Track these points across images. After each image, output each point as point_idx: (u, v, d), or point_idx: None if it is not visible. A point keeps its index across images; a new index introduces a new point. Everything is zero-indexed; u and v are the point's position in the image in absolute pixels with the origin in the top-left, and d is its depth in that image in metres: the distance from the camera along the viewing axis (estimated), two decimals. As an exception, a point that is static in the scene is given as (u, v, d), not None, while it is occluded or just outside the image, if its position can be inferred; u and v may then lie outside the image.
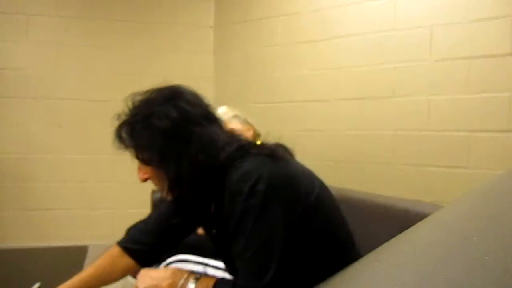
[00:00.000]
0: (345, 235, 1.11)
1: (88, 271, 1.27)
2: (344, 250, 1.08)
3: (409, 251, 0.84)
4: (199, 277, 1.08)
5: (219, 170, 0.99)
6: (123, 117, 1.02)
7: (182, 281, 1.07)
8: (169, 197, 1.05)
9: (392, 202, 1.23)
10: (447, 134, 2.21)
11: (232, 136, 1.06)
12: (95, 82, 3.05)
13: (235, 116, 1.92)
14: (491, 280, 0.50)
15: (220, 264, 1.28)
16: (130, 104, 1.03)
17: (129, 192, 3.09)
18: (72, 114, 3.02)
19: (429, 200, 2.22)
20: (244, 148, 1.01)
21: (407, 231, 1.05)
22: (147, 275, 1.12)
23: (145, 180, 1.08)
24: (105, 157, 3.06)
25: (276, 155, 1.01)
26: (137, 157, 1.04)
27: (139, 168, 1.08)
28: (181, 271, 1.11)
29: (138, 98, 1.03)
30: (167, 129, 0.97)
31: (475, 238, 0.64)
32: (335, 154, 2.61)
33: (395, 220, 1.21)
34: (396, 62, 2.38)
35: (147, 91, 1.03)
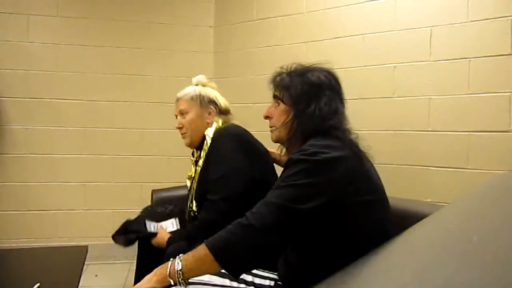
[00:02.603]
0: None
1: None
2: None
3: (409, 251, 0.84)
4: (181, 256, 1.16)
5: (318, 130, 1.22)
6: (283, 70, 1.36)
7: (169, 266, 1.14)
8: (278, 132, 1.33)
9: (392, 202, 1.24)
10: (447, 134, 2.21)
11: (342, 116, 1.32)
12: (95, 82, 3.05)
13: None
14: (491, 280, 0.50)
15: None
16: (285, 68, 1.36)
17: (129, 192, 3.09)
18: (72, 114, 3.02)
19: (429, 200, 2.22)
20: (336, 128, 1.25)
21: (407, 231, 1.05)
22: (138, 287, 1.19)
23: (266, 117, 1.38)
24: (105, 157, 3.06)
25: (356, 149, 1.21)
26: (276, 96, 1.35)
27: (270, 107, 1.39)
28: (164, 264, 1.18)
29: (294, 65, 1.36)
30: (313, 83, 1.28)
31: (475, 238, 0.64)
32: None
33: (395, 220, 1.21)
34: (396, 62, 2.38)
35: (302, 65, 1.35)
